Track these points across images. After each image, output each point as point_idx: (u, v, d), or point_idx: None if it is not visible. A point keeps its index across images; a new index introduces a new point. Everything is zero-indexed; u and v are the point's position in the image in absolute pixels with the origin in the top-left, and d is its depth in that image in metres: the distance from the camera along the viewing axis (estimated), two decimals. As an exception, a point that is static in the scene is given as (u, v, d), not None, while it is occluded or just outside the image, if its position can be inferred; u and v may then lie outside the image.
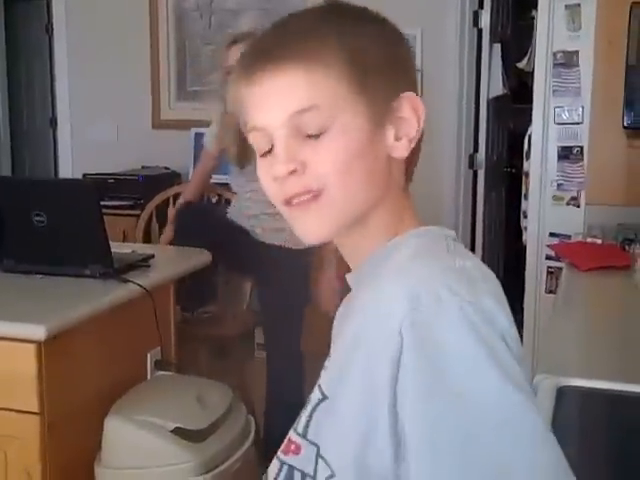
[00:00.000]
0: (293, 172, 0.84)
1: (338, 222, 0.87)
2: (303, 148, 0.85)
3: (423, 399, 0.74)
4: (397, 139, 0.89)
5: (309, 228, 0.87)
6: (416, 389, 0.74)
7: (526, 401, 0.75)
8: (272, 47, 0.87)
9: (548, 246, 2.84)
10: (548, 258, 2.95)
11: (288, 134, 0.85)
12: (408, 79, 0.94)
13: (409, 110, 0.91)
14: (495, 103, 4.58)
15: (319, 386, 0.84)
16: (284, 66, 0.85)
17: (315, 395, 0.84)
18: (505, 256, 5.02)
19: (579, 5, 2.87)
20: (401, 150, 0.89)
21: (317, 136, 0.85)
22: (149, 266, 2.45)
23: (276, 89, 0.85)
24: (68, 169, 4.92)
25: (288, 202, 0.85)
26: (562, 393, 1.41)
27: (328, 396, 0.82)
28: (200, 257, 2.68)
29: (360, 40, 0.87)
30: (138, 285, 2.24)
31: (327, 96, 0.85)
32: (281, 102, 0.85)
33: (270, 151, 0.87)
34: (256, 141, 0.88)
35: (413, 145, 0.91)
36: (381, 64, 0.88)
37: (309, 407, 0.84)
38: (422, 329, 0.75)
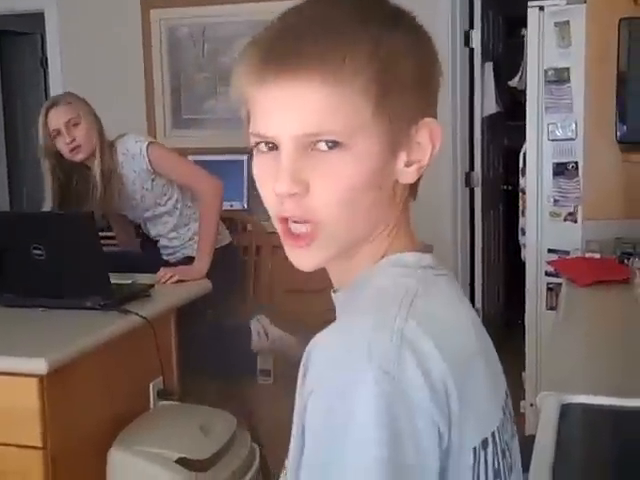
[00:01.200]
0: (295, 194, 0.78)
1: (332, 254, 0.82)
2: (310, 166, 0.77)
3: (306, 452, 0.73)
4: (408, 165, 0.82)
5: (301, 260, 0.82)
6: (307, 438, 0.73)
7: None
8: (292, 49, 0.76)
9: (547, 262, 2.84)
10: (548, 274, 2.95)
11: (298, 149, 0.77)
12: (432, 100, 0.84)
13: (427, 137, 0.82)
14: (489, 121, 4.60)
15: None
16: (304, 76, 0.76)
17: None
18: (505, 273, 5.02)
19: (568, 22, 2.89)
20: (410, 176, 0.83)
21: (328, 156, 0.77)
22: (149, 296, 2.45)
23: (294, 101, 0.77)
24: None
25: (284, 221, 0.80)
26: (566, 410, 1.40)
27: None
28: (200, 286, 2.68)
29: (395, 51, 0.77)
30: (138, 315, 2.24)
31: (347, 118, 0.76)
32: (297, 117, 0.77)
33: (273, 148, 0.80)
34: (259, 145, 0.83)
35: (423, 171, 0.85)
36: (409, 82, 0.79)
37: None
38: (333, 388, 0.72)
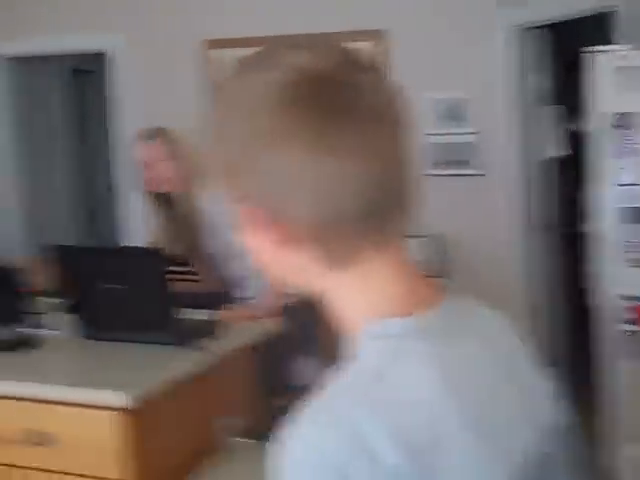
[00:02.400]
0: None
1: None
2: None
3: None
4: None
5: None
6: None
7: None
8: None
9: (629, 308, 2.77)
10: (623, 321, 2.88)
11: None
12: None
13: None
14: (552, 165, 4.57)
15: None
16: None
17: None
18: (570, 320, 4.92)
19: (634, 67, 2.87)
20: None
21: None
22: (224, 332, 2.46)
23: None
24: (134, 235, 4.98)
25: None
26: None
27: None
28: (272, 325, 2.68)
29: None
30: (213, 352, 2.27)
31: None
32: None
33: None
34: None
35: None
36: None
37: None
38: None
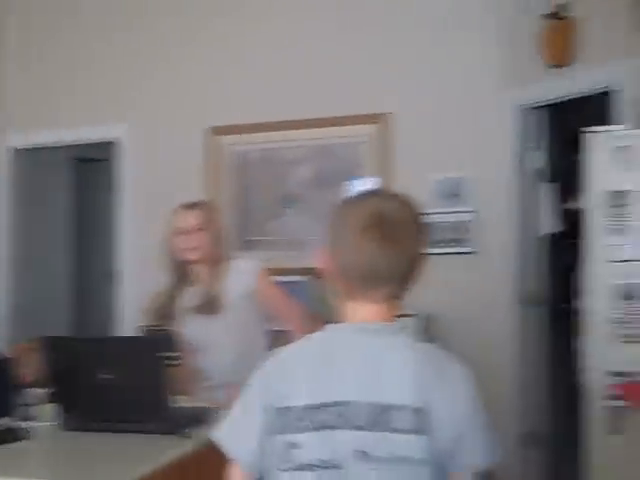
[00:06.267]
0: None
1: None
2: None
3: None
4: None
5: None
6: None
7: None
8: None
9: (612, 386, 2.77)
10: (609, 397, 2.87)
11: None
12: None
13: None
14: (549, 240, 4.61)
15: None
16: None
17: None
18: (562, 396, 4.88)
19: (630, 147, 2.93)
20: None
21: None
22: (213, 419, 2.41)
23: None
24: (128, 322, 4.98)
25: None
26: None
27: None
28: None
29: None
30: (201, 440, 2.22)
31: None
32: None
33: None
34: None
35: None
36: None
37: None
38: None
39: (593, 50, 3.87)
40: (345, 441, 1.38)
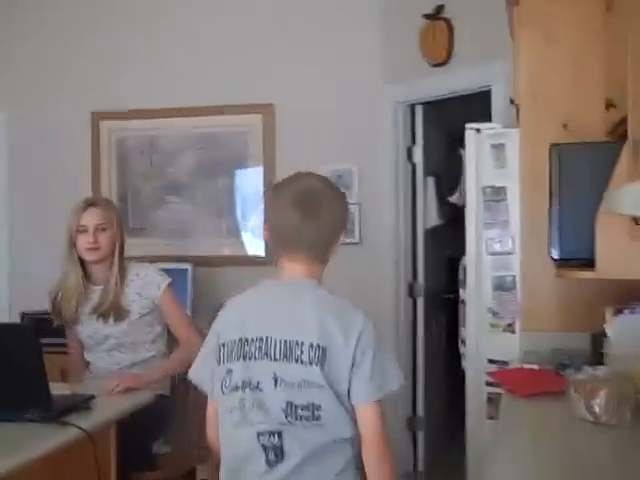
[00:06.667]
0: None
1: None
2: None
3: None
4: None
5: None
6: None
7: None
8: None
9: (487, 373, 2.91)
10: (488, 384, 3.01)
11: None
12: None
13: None
14: (432, 233, 4.75)
15: None
16: None
17: None
18: (446, 382, 5.07)
19: (504, 145, 3.07)
20: None
21: None
22: (89, 408, 2.43)
23: None
24: (5, 305, 4.87)
25: None
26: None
27: None
28: (141, 397, 2.68)
29: None
30: (78, 428, 2.21)
31: None
32: None
33: None
34: None
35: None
36: None
37: None
38: None
39: (470, 50, 4.02)
40: (263, 368, 1.80)
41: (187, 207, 4.81)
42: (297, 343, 1.78)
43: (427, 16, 4.18)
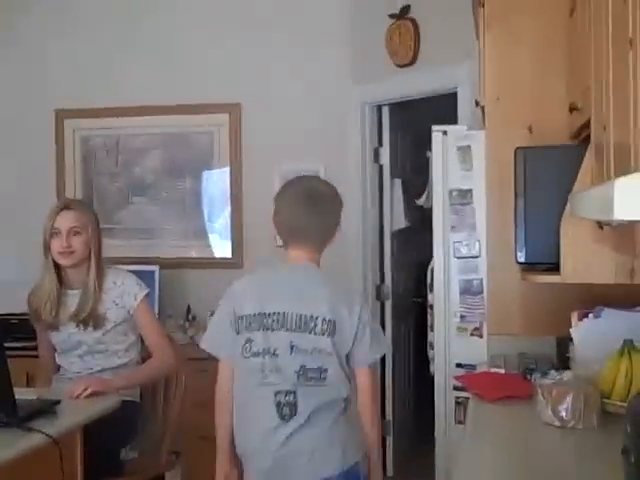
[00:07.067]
0: None
1: None
2: None
3: None
4: None
5: None
6: None
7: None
8: None
9: (454, 377, 2.89)
10: (456, 388, 2.99)
11: None
12: None
13: None
14: (399, 235, 4.74)
15: None
16: None
17: None
18: (415, 386, 5.06)
19: (469, 147, 3.05)
20: None
21: None
22: (55, 412, 2.39)
23: None
24: None
25: None
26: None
27: None
28: (108, 402, 2.64)
29: None
30: (43, 433, 2.18)
31: None
32: None
33: None
34: None
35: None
36: None
37: None
38: None
39: (437, 51, 4.01)
40: (280, 338, 2.17)
41: (153, 207, 4.76)
42: (312, 317, 2.16)
43: (393, 16, 4.16)
